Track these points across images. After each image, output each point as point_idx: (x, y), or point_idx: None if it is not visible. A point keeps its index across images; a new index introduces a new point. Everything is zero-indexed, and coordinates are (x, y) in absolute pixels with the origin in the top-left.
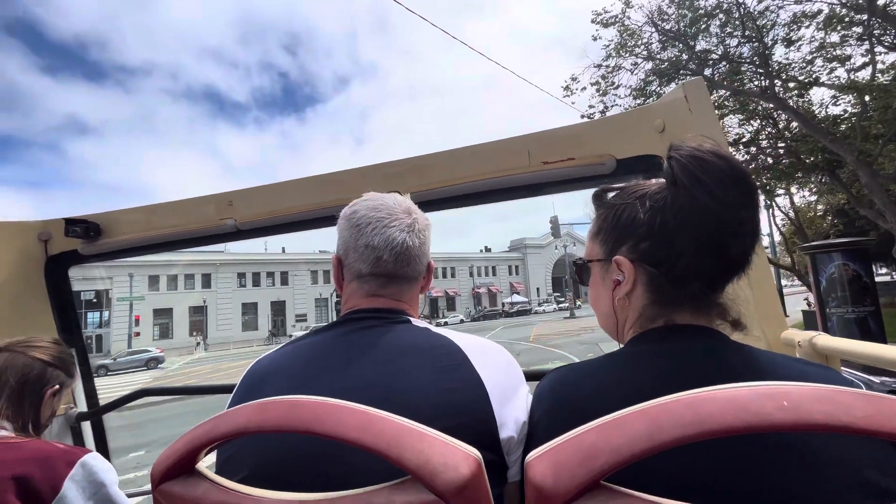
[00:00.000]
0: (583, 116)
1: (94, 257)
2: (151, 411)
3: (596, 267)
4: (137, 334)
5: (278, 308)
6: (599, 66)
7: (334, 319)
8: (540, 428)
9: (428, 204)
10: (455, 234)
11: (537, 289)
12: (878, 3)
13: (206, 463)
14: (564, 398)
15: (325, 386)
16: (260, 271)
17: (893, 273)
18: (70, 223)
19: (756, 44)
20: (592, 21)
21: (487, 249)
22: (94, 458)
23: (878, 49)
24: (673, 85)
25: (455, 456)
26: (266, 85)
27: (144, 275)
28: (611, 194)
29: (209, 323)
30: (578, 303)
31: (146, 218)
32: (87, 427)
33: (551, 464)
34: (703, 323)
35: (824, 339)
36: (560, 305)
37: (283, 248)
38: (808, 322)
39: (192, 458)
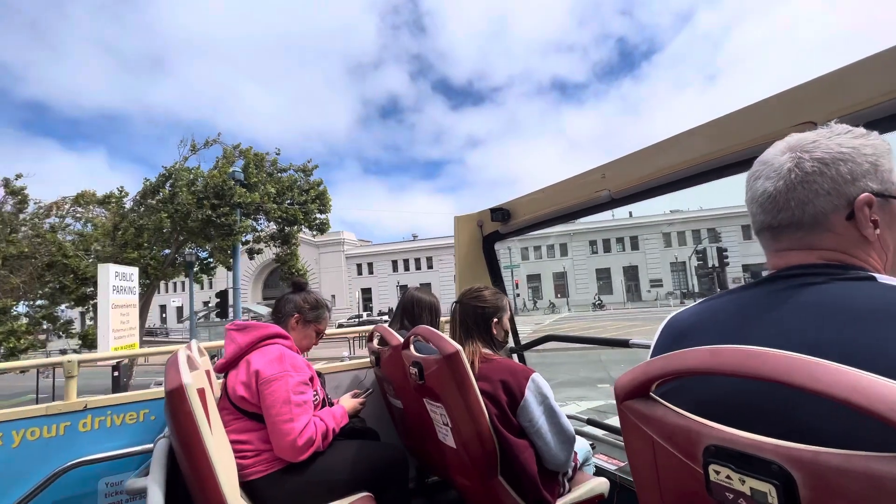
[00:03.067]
0: None
1: (509, 234)
2: (552, 355)
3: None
4: (518, 296)
5: (631, 273)
6: None
7: (694, 285)
8: None
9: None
10: None
11: None
12: None
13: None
14: None
15: (755, 341)
16: (609, 238)
17: None
18: (493, 211)
19: None
20: None
21: None
22: (539, 377)
23: None
24: None
25: None
26: (603, 56)
27: (518, 247)
28: None
29: (570, 287)
30: None
31: (539, 199)
32: (515, 358)
33: None
34: None
35: None
36: None
37: (630, 213)
38: None
39: (649, 386)
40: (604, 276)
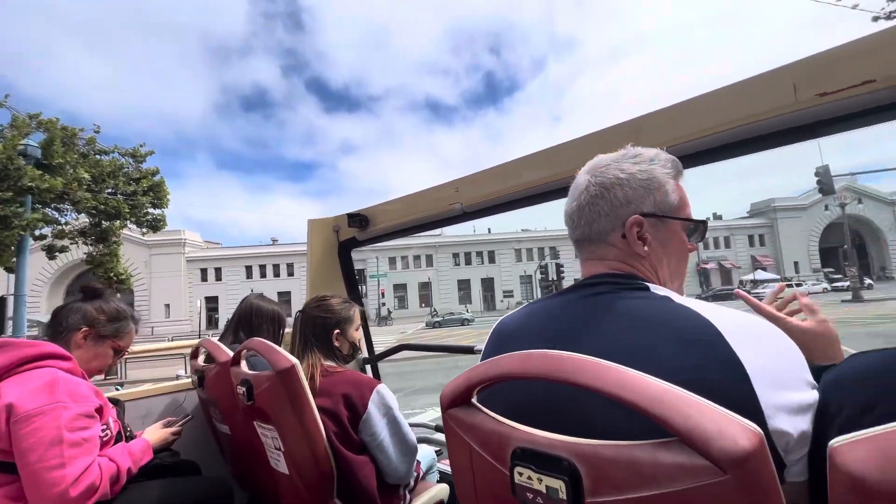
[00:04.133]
0: (876, 20)
1: (366, 241)
2: (410, 364)
3: None
4: (383, 304)
5: (488, 284)
6: None
7: (538, 296)
8: (844, 417)
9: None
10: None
11: (795, 263)
12: None
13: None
14: (888, 384)
15: (558, 344)
16: (471, 251)
17: None
18: (351, 217)
19: None
20: None
21: (717, 217)
22: (384, 388)
23: None
24: None
25: (732, 427)
26: (472, 85)
27: (386, 256)
28: None
29: (434, 296)
30: (869, 281)
31: (397, 208)
32: (368, 370)
33: (879, 453)
34: None
35: None
36: (835, 285)
37: (489, 229)
38: None
39: (470, 393)
40: (465, 286)
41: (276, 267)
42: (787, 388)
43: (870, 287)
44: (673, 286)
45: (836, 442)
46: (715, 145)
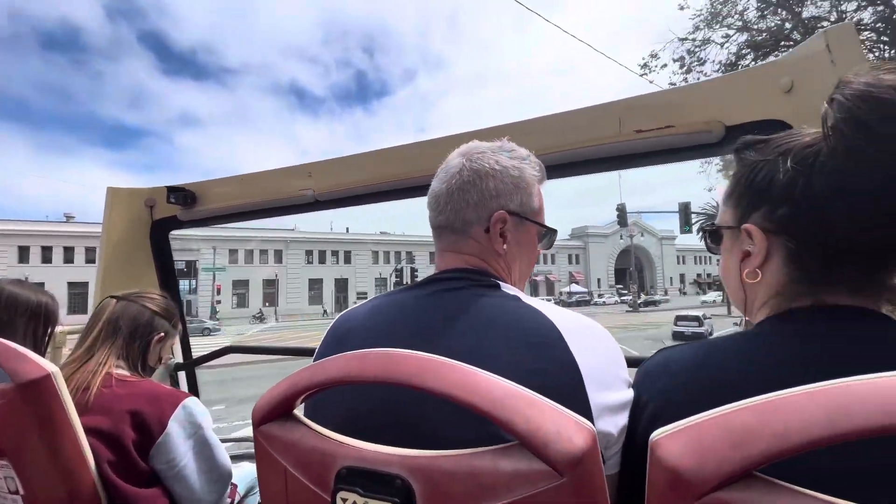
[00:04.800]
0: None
1: (191, 223)
2: (236, 371)
3: (726, 234)
4: (219, 302)
5: (341, 285)
6: (685, 39)
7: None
8: (651, 410)
9: None
10: None
11: (598, 279)
12: None
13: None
14: (689, 378)
15: (400, 343)
16: (326, 249)
17: None
18: (171, 191)
19: (882, 7)
20: None
21: None
22: (193, 402)
23: None
24: (771, 58)
25: (569, 426)
26: (342, 81)
27: (225, 248)
28: (754, 149)
29: (280, 296)
30: (643, 296)
31: (235, 188)
32: (182, 377)
33: (692, 444)
34: (870, 306)
35: None
36: (623, 298)
37: (347, 229)
38: None
39: (290, 404)
40: (316, 286)
41: (68, 251)
42: (610, 388)
43: (643, 302)
44: (520, 287)
45: (656, 435)
46: (561, 162)
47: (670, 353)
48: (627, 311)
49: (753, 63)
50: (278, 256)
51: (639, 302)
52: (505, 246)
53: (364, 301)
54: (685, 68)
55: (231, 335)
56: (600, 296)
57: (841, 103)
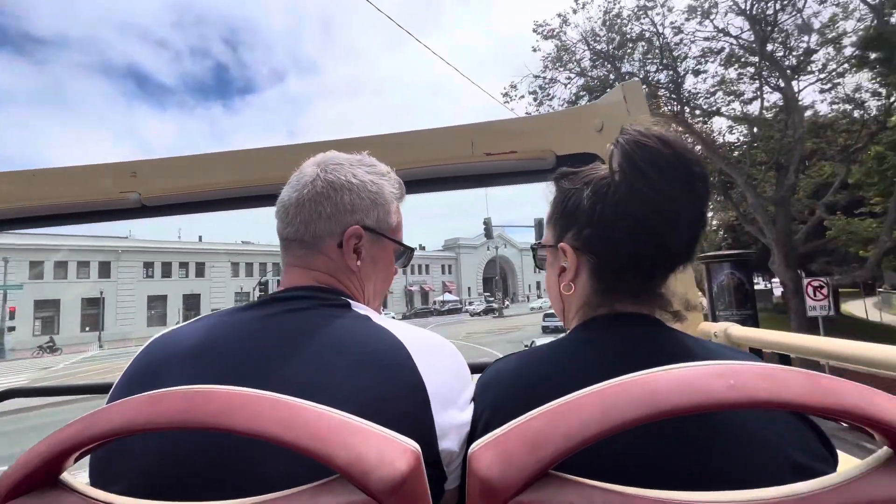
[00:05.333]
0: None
1: None
2: (34, 417)
3: (548, 252)
4: (11, 329)
5: (192, 302)
6: (538, 76)
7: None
8: (483, 421)
9: None
10: None
11: (468, 288)
12: (768, 48)
13: (81, 471)
14: (510, 387)
15: (228, 380)
16: (171, 261)
17: (767, 282)
18: None
19: (671, 72)
20: (534, 31)
21: (422, 247)
22: None
23: (766, 88)
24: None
25: (392, 450)
26: (198, 71)
27: (24, 259)
28: (567, 179)
29: (107, 317)
30: (507, 302)
31: (29, 183)
32: None
33: (497, 453)
34: (647, 311)
35: (736, 329)
36: (489, 304)
37: (200, 237)
38: None
39: (57, 466)
40: (158, 304)
41: None
42: (455, 406)
43: (507, 307)
44: (374, 306)
45: (472, 448)
46: (418, 178)
47: (502, 363)
48: (494, 318)
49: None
50: (105, 269)
51: (478, 311)
52: (359, 262)
53: (191, 321)
54: (538, 101)
55: (33, 370)
56: (470, 303)
57: (622, 147)
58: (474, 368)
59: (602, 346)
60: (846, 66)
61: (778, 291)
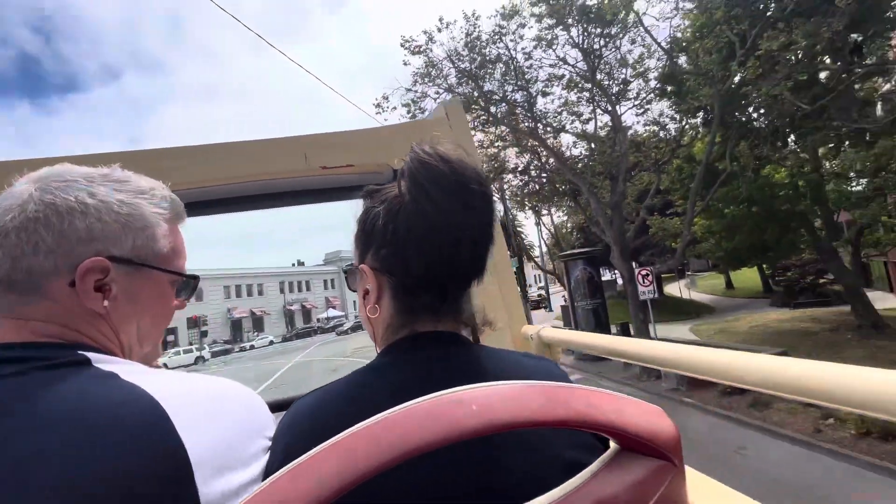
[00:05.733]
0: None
1: None
2: None
3: (355, 274)
4: None
5: None
6: (409, 89)
7: None
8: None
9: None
10: (264, 248)
11: (354, 302)
12: (598, 77)
13: None
14: (310, 429)
15: None
16: None
17: (613, 273)
18: None
19: (525, 93)
20: (401, 45)
21: (301, 263)
22: None
23: (598, 110)
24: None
25: None
26: None
27: None
28: (370, 197)
29: None
30: None
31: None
32: None
33: (268, 501)
34: (448, 329)
35: (547, 332)
36: None
37: None
38: (565, 314)
39: None
40: None
41: None
42: (232, 469)
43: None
44: (142, 351)
45: (241, 501)
46: (246, 193)
47: (301, 403)
48: None
49: None
50: None
51: (345, 329)
52: (106, 303)
53: None
54: (412, 114)
55: None
56: (356, 317)
57: (409, 165)
58: (283, 405)
59: (398, 371)
60: (652, 95)
61: (620, 281)
